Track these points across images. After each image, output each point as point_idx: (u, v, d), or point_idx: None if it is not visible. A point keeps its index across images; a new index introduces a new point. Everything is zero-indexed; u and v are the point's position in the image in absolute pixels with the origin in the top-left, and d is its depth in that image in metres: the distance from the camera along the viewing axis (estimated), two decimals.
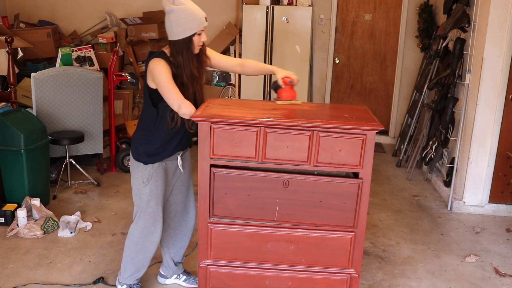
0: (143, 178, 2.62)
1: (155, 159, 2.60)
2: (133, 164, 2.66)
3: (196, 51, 2.51)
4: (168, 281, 3.04)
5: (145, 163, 2.60)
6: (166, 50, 2.53)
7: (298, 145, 2.21)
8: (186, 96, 2.46)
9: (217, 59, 2.73)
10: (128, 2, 6.46)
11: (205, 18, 2.48)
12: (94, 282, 3.04)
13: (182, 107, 2.38)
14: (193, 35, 2.45)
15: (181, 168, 2.77)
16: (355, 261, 2.36)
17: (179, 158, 2.73)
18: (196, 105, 2.51)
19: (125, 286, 2.86)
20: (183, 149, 2.76)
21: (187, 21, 2.42)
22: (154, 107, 2.53)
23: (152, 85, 2.49)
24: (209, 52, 2.70)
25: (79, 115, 4.69)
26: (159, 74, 2.41)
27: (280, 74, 2.57)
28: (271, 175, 2.26)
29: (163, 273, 3.03)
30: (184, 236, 2.94)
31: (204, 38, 2.51)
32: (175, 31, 2.45)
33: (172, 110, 2.47)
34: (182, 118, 2.50)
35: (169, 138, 2.59)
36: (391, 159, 5.91)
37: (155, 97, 2.51)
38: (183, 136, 2.65)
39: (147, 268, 2.85)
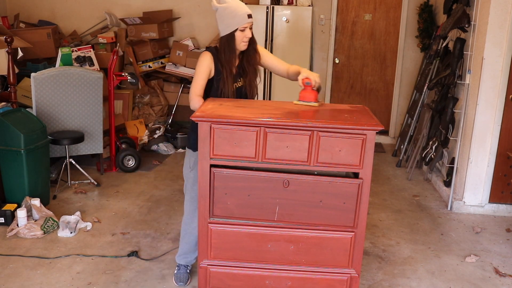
0: (190, 163, 2.78)
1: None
2: (186, 151, 2.84)
3: (242, 47, 2.65)
4: None
5: (194, 149, 2.72)
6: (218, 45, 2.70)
7: (298, 145, 2.21)
8: (227, 89, 2.62)
9: (268, 60, 2.83)
10: (128, 2, 6.46)
11: (249, 15, 2.57)
12: (128, 255, 3.31)
13: (191, 99, 2.55)
14: (235, 31, 2.58)
15: None
16: (355, 261, 2.36)
17: None
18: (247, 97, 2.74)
19: (177, 264, 3.07)
20: None
21: (228, 18, 2.56)
22: (207, 96, 2.67)
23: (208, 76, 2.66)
24: (262, 50, 2.79)
25: (79, 115, 4.69)
26: (197, 64, 2.64)
27: (301, 75, 2.59)
28: (271, 175, 2.26)
29: None
30: None
31: (248, 34, 2.61)
32: (220, 29, 2.64)
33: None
34: None
35: None
36: (391, 159, 5.91)
37: (208, 86, 2.66)
38: None
39: (195, 255, 2.99)
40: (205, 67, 2.62)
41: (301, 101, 2.57)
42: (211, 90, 2.68)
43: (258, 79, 2.81)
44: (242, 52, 2.74)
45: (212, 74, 2.68)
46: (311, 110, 2.47)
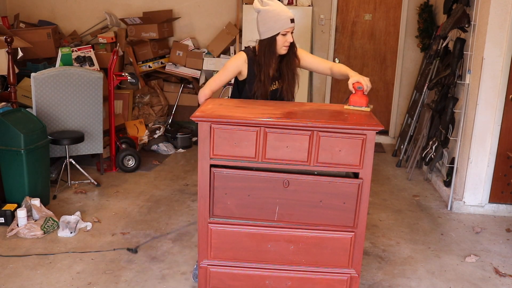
0: None
1: None
2: None
3: (283, 51, 2.64)
4: None
5: None
6: (257, 47, 2.67)
7: (298, 145, 2.21)
8: (262, 92, 2.62)
9: (308, 61, 2.80)
10: (128, 2, 6.46)
11: (292, 19, 2.58)
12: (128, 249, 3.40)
13: (202, 91, 2.60)
14: (277, 35, 2.56)
15: None
16: (355, 261, 2.36)
17: None
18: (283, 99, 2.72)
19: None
20: None
21: (271, 21, 2.53)
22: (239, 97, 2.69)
23: (240, 77, 2.67)
24: (301, 53, 2.78)
25: (79, 115, 4.69)
26: (228, 61, 2.66)
27: (351, 79, 2.56)
28: (271, 175, 2.26)
29: None
30: None
31: (290, 39, 2.62)
32: (261, 31, 2.59)
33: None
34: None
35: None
36: (391, 159, 5.91)
37: (241, 87, 2.67)
38: None
39: None
40: (235, 67, 2.63)
41: (352, 106, 2.51)
42: (243, 92, 2.69)
43: (296, 86, 2.79)
44: (281, 56, 2.72)
45: (244, 76, 2.68)
46: (311, 110, 2.48)
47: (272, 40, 2.58)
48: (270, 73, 2.64)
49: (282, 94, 2.73)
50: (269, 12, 2.54)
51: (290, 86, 2.74)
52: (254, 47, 2.68)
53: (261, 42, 2.63)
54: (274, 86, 2.72)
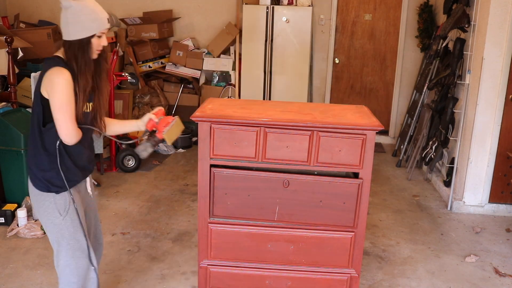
0: (60, 209, 2.20)
1: (69, 184, 2.21)
2: (38, 197, 2.21)
3: (94, 56, 2.17)
4: None
5: (58, 191, 2.19)
6: (61, 54, 2.15)
7: (298, 145, 2.21)
8: (75, 110, 2.12)
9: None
10: (128, 2, 6.46)
11: (108, 19, 2.18)
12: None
13: (71, 136, 2.10)
14: (92, 36, 2.11)
15: (90, 192, 2.41)
16: (355, 261, 2.36)
17: (88, 180, 2.39)
18: (95, 123, 2.26)
19: None
20: (92, 169, 2.41)
21: (87, 20, 2.09)
22: (43, 126, 2.13)
23: (47, 96, 2.10)
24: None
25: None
26: (59, 90, 2.04)
27: (143, 121, 2.36)
28: (271, 175, 2.26)
29: None
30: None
31: (104, 42, 2.18)
32: (72, 30, 2.09)
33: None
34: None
35: (79, 156, 2.26)
36: (391, 159, 5.91)
37: (48, 114, 2.11)
38: (90, 153, 2.36)
39: None
40: (71, 91, 2.08)
41: (166, 129, 2.31)
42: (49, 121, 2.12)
43: (107, 100, 2.36)
44: None
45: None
46: (311, 110, 2.47)
47: (86, 42, 2.10)
48: (91, 83, 2.18)
49: (95, 114, 2.26)
50: (84, 8, 2.08)
51: (102, 101, 2.28)
52: (58, 58, 2.12)
53: (69, 44, 2.10)
54: (90, 105, 2.23)
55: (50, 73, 2.06)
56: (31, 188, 2.23)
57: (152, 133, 2.34)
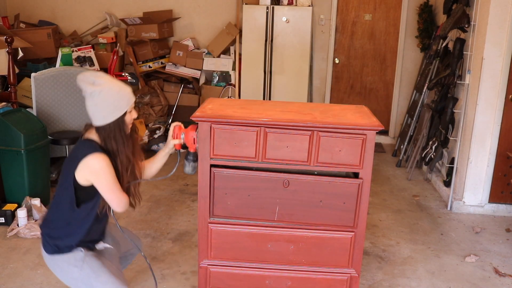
0: (76, 263, 2.23)
1: (81, 244, 2.26)
2: (52, 259, 2.26)
3: (128, 131, 2.22)
4: None
5: (70, 250, 2.24)
6: (94, 137, 2.18)
7: (298, 145, 2.21)
8: (121, 187, 2.21)
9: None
10: (128, 2, 6.46)
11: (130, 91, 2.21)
12: None
13: (124, 206, 2.22)
14: (125, 114, 2.15)
15: (105, 246, 2.42)
16: (355, 261, 2.36)
17: (101, 243, 2.42)
18: (129, 192, 2.31)
19: None
20: (103, 237, 2.44)
21: (115, 99, 2.11)
22: (77, 206, 2.18)
23: (85, 182, 2.15)
24: None
25: (79, 115, 4.69)
26: (104, 174, 2.11)
27: (170, 144, 2.35)
28: (271, 175, 2.26)
29: None
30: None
31: (135, 114, 2.22)
32: (104, 115, 2.11)
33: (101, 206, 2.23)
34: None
35: (91, 228, 2.28)
36: (391, 159, 5.91)
37: (83, 196, 2.18)
38: (105, 225, 2.41)
39: None
40: (112, 169, 2.14)
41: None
42: (92, 200, 2.20)
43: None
44: None
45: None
46: (311, 110, 2.47)
47: (121, 121, 2.13)
48: (131, 158, 2.22)
49: (131, 187, 2.30)
50: (109, 90, 2.09)
51: (136, 172, 2.30)
52: (92, 142, 2.16)
53: (104, 128, 2.12)
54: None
55: (89, 160, 2.09)
56: (43, 254, 2.28)
57: (185, 149, 2.36)
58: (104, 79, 2.12)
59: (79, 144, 2.19)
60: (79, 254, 2.24)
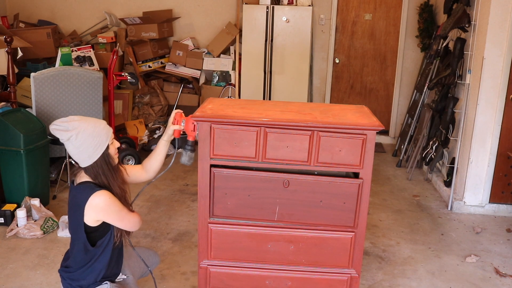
0: None
1: (104, 279, 2.28)
2: None
3: (116, 160, 2.25)
4: None
5: (95, 286, 2.26)
6: (85, 179, 2.18)
7: (298, 145, 2.21)
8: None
9: (132, 170, 2.46)
10: (128, 2, 6.46)
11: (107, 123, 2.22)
12: None
13: (137, 226, 2.28)
14: (107, 147, 2.16)
15: (124, 278, 2.44)
16: (355, 261, 2.35)
17: (120, 275, 2.43)
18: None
19: None
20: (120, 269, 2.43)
21: (94, 137, 2.11)
22: (92, 246, 2.19)
23: (96, 223, 2.16)
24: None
25: (79, 115, 4.68)
26: (111, 207, 2.13)
27: (169, 130, 2.36)
28: (271, 175, 2.25)
29: None
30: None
31: (117, 144, 2.24)
32: (88, 155, 2.12)
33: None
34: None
35: (111, 259, 2.28)
36: (391, 159, 5.90)
37: (96, 236, 2.20)
38: (121, 253, 2.41)
39: None
40: (116, 200, 2.17)
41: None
42: (104, 236, 2.21)
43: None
44: None
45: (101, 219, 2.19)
46: (311, 109, 2.47)
47: (106, 155, 2.15)
48: (123, 191, 2.24)
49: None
50: (85, 130, 2.10)
51: (126, 201, 2.30)
52: (90, 183, 2.16)
53: (92, 167, 2.14)
54: None
55: (92, 202, 2.10)
56: None
57: (183, 138, 2.36)
58: (76, 121, 2.12)
59: (75, 192, 2.17)
60: (105, 287, 2.26)
